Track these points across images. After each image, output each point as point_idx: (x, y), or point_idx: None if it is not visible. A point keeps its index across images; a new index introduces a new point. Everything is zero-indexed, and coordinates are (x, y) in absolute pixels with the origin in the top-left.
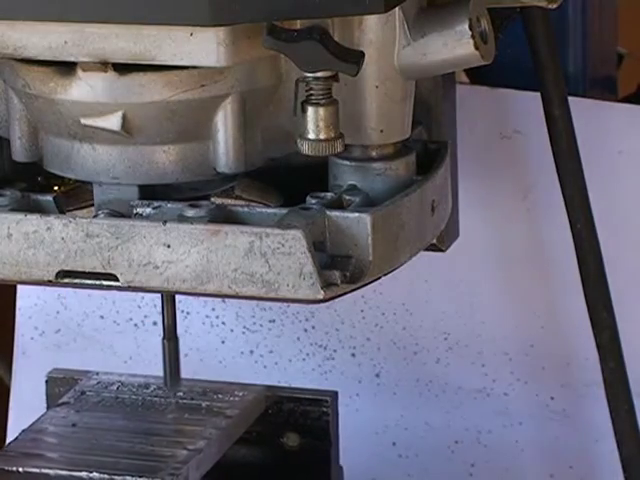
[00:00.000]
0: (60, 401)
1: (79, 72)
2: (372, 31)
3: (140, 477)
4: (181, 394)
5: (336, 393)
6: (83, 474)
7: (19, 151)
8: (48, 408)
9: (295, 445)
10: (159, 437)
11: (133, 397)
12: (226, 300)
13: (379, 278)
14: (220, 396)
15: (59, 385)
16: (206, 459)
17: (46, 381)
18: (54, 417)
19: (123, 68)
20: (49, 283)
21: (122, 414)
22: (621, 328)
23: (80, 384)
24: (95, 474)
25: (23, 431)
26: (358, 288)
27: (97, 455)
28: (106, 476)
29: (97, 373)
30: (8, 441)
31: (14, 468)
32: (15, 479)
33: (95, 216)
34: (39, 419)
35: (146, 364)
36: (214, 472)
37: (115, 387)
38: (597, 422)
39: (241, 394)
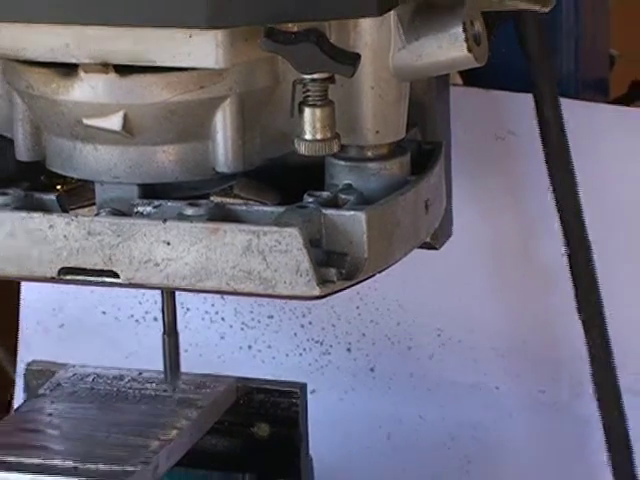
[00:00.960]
0: (37, 392)
1: (81, 73)
2: (367, 34)
3: (113, 465)
4: (154, 385)
5: (305, 385)
6: (57, 462)
7: (22, 151)
8: (26, 399)
9: (265, 435)
10: (132, 427)
11: (108, 388)
12: (225, 296)
13: (374, 275)
14: (192, 387)
15: (37, 377)
16: (177, 449)
17: (24, 373)
18: (31, 408)
19: (124, 69)
20: (52, 280)
21: (97, 405)
22: (610, 325)
23: (57, 376)
24: (69, 462)
25: (0, 422)
26: (353, 285)
27: (71, 444)
28: (79, 464)
29: (73, 365)
30: None
31: None
32: None
33: (97, 214)
34: (16, 410)
35: (147, 359)
36: (186, 461)
37: (90, 379)
38: (588, 416)
39: (212, 385)
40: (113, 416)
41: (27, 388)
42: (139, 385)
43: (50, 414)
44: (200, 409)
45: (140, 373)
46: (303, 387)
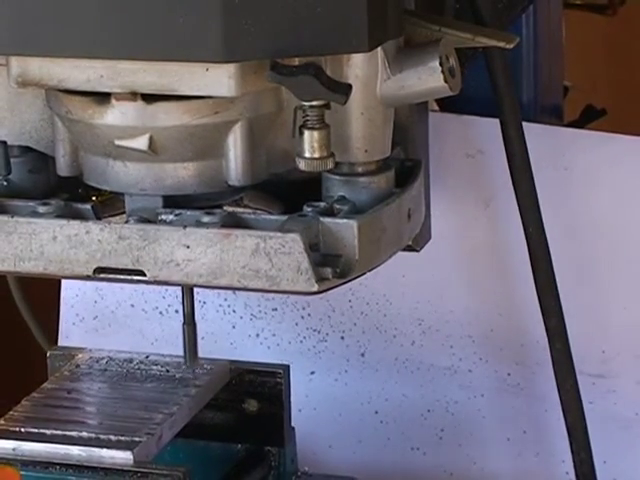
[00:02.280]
0: (58, 373)
1: (113, 101)
2: (358, 67)
3: (122, 436)
4: (159, 367)
5: (288, 367)
6: (74, 433)
7: (62, 167)
8: (49, 378)
9: (254, 410)
10: (139, 403)
11: (119, 369)
12: (236, 291)
13: (364, 274)
14: (191, 369)
15: (59, 360)
16: (178, 421)
17: (48, 357)
18: (52, 387)
19: (150, 97)
20: (87, 278)
21: (109, 384)
22: (566, 314)
23: (76, 359)
24: (84, 433)
25: (25, 398)
26: (346, 282)
27: (86, 417)
28: (93, 435)
29: (90, 350)
30: None
31: (17, 428)
32: (16, 437)
33: (126, 222)
34: (39, 388)
35: (169, 345)
36: (187, 433)
37: (104, 361)
38: (547, 394)
39: (209, 367)
40: (123, 393)
41: (50, 369)
42: (146, 367)
43: (69, 391)
44: (198, 387)
45: (147, 356)
46: (286, 369)
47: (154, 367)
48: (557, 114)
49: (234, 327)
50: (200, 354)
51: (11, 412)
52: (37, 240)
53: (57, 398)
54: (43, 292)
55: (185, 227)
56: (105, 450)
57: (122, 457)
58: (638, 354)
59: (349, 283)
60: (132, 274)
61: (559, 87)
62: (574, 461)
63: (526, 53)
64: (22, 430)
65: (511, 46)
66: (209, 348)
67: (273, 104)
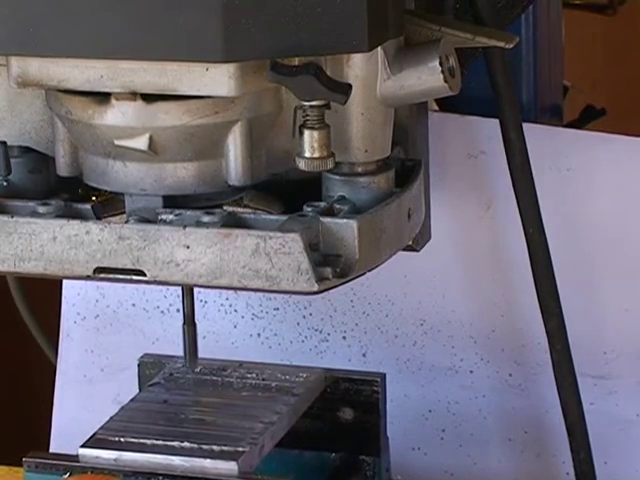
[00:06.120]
0: (152, 382)
1: (113, 101)
2: (358, 67)
3: (225, 445)
4: (254, 375)
5: (384, 375)
6: (175, 443)
7: (62, 167)
8: (140, 388)
9: (350, 418)
10: (238, 412)
11: (213, 378)
12: (237, 291)
13: (365, 273)
14: (287, 377)
15: (149, 368)
16: (278, 430)
17: (138, 365)
18: (148, 395)
19: (150, 97)
20: (88, 278)
21: (205, 392)
22: (567, 315)
23: (168, 367)
24: (186, 443)
25: (122, 408)
26: (347, 282)
27: (186, 427)
28: (195, 445)
29: (182, 357)
30: (56, 411)
31: (117, 438)
32: (117, 447)
33: (126, 222)
34: (135, 397)
35: (170, 345)
36: (284, 441)
37: (198, 369)
38: (547, 395)
39: (304, 375)
40: (221, 402)
41: (140, 378)
42: (241, 375)
43: (165, 400)
44: (296, 396)
45: (240, 364)
46: (383, 377)
47: (249, 375)
48: (557, 114)
49: (235, 327)
50: (201, 354)
51: (109, 422)
52: (37, 240)
53: (154, 407)
54: (43, 292)
55: (185, 227)
56: (208, 460)
57: (226, 467)
58: (639, 355)
59: (351, 283)
60: (132, 274)
61: (559, 87)
62: (574, 461)
63: (526, 53)
64: (122, 440)
65: (511, 46)
66: (210, 348)
67: (273, 104)
